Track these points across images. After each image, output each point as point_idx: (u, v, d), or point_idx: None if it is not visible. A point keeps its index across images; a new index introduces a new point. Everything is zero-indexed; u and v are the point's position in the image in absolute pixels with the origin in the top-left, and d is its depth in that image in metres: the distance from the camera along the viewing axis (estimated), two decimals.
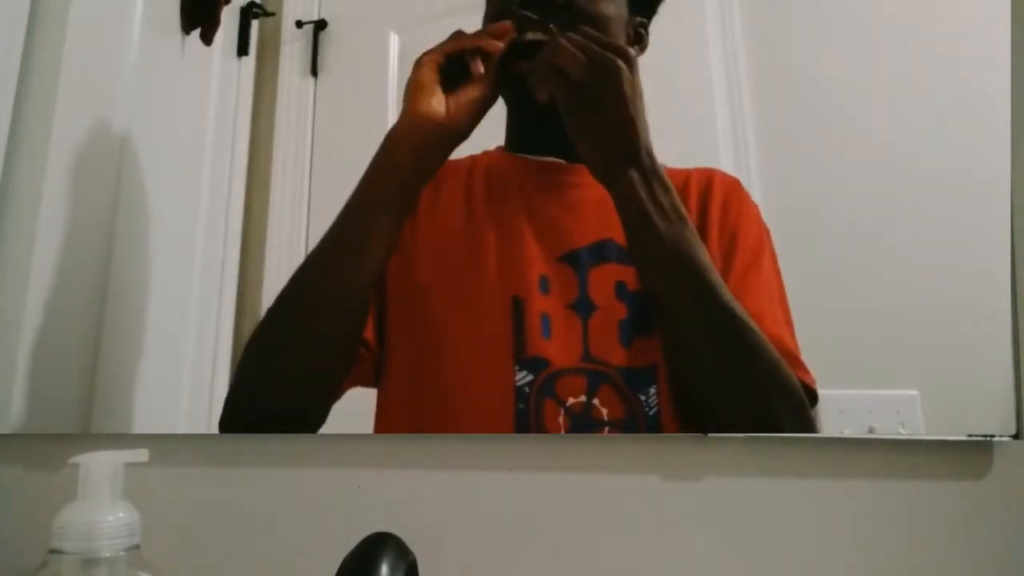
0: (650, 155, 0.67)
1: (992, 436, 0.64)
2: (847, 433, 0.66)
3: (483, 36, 0.71)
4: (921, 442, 0.66)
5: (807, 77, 0.74)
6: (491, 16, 0.75)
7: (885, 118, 0.72)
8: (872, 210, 0.71)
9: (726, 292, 0.67)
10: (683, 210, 0.68)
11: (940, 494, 0.65)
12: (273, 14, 0.86)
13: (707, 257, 0.67)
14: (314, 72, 0.84)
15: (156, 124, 0.86)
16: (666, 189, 0.67)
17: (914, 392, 0.66)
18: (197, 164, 0.85)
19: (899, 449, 0.66)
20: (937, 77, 0.71)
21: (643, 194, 0.66)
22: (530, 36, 0.70)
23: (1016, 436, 0.64)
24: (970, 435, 0.64)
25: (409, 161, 0.70)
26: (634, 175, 0.67)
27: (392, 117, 0.75)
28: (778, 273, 0.70)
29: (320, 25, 0.85)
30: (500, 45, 0.70)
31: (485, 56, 0.70)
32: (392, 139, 0.71)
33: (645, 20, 0.76)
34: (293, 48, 0.85)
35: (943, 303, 0.68)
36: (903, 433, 0.66)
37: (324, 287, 0.71)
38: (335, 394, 0.72)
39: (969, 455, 0.65)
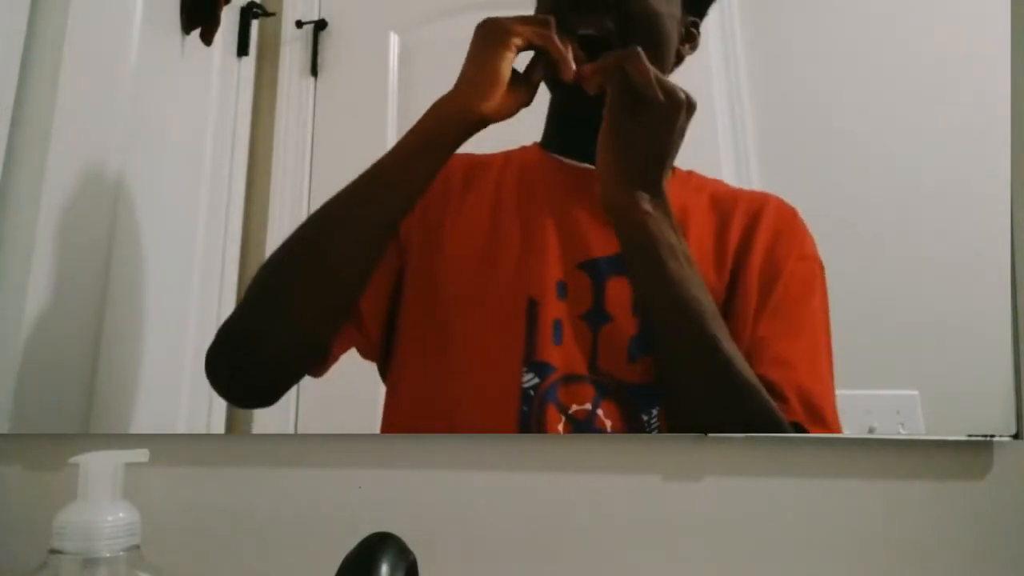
0: (664, 196, 0.66)
1: (992, 436, 0.64)
2: (847, 433, 0.66)
3: (564, 51, 0.68)
4: (921, 442, 0.66)
5: (806, 82, 0.75)
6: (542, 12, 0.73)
7: (885, 120, 0.72)
8: (872, 211, 0.71)
9: (724, 339, 0.65)
10: (690, 254, 0.66)
11: (940, 494, 0.65)
12: (273, 14, 0.86)
13: (711, 302, 0.66)
14: (314, 72, 0.84)
15: (156, 124, 0.86)
16: (675, 228, 0.66)
17: (914, 392, 0.66)
18: (197, 164, 0.85)
19: (899, 449, 0.66)
20: (936, 82, 0.71)
21: (652, 225, 0.66)
22: (582, 32, 0.69)
23: (1016, 436, 0.64)
24: (970, 435, 0.65)
25: (451, 143, 0.69)
26: (648, 206, 0.66)
27: (392, 117, 0.75)
28: (826, 316, 0.68)
29: (320, 25, 0.85)
30: (573, 70, 0.67)
31: (544, 59, 0.69)
32: (444, 118, 0.69)
33: (697, 19, 0.75)
34: (293, 48, 0.85)
35: (943, 303, 0.68)
36: (903, 433, 0.66)
37: (345, 226, 0.71)
38: (327, 346, 0.72)
39: (969, 455, 0.65)
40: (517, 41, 0.67)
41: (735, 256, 0.70)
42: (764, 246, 0.70)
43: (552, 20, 0.68)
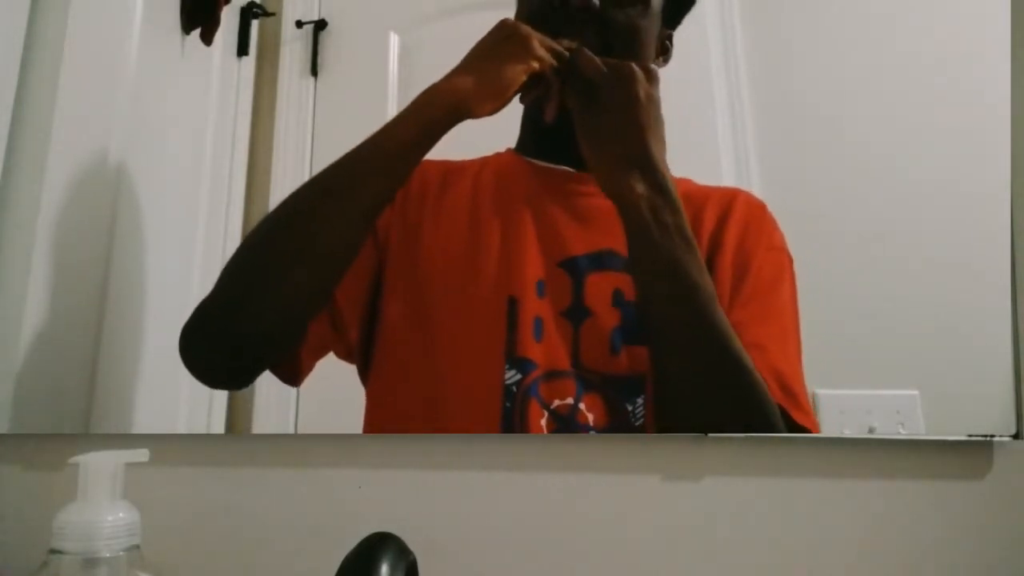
0: (661, 173, 0.66)
1: (992, 436, 0.64)
2: (847, 433, 0.66)
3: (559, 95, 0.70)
4: (921, 442, 0.66)
5: (806, 82, 0.75)
6: (524, 17, 0.73)
7: (885, 120, 0.72)
8: (872, 212, 0.71)
9: (723, 324, 0.65)
10: (690, 234, 0.66)
11: (940, 494, 0.65)
12: (273, 14, 0.86)
13: (710, 286, 0.66)
14: (314, 72, 0.84)
15: (156, 124, 0.86)
16: (674, 209, 0.66)
17: (914, 392, 0.66)
18: (197, 164, 0.85)
19: (899, 449, 0.66)
20: (936, 82, 0.72)
21: (645, 207, 0.66)
22: (565, 43, 0.69)
23: (1016, 436, 0.64)
24: (970, 435, 0.65)
25: (441, 132, 0.69)
26: (638, 186, 0.66)
27: (392, 116, 0.75)
28: (795, 306, 0.69)
29: (320, 25, 0.85)
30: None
31: (540, 88, 0.70)
32: (444, 106, 0.68)
33: (670, 32, 0.76)
34: (293, 48, 0.85)
35: (943, 303, 0.68)
36: (903, 433, 0.66)
37: (330, 206, 0.70)
38: (302, 332, 0.71)
39: (969, 455, 0.65)
40: (536, 65, 0.68)
41: (708, 249, 0.71)
42: (735, 238, 0.71)
43: (568, 57, 0.69)
